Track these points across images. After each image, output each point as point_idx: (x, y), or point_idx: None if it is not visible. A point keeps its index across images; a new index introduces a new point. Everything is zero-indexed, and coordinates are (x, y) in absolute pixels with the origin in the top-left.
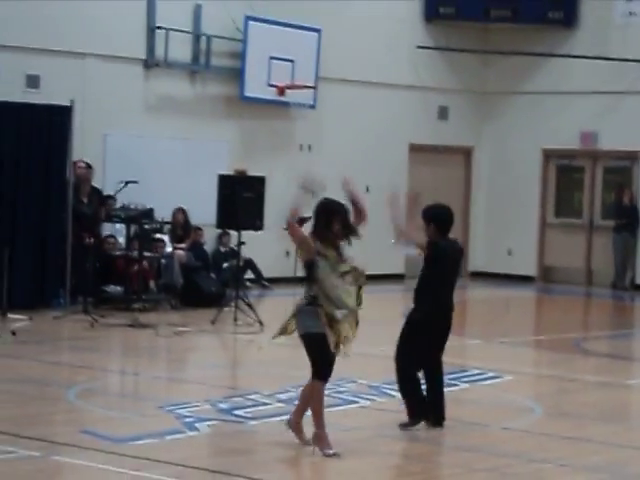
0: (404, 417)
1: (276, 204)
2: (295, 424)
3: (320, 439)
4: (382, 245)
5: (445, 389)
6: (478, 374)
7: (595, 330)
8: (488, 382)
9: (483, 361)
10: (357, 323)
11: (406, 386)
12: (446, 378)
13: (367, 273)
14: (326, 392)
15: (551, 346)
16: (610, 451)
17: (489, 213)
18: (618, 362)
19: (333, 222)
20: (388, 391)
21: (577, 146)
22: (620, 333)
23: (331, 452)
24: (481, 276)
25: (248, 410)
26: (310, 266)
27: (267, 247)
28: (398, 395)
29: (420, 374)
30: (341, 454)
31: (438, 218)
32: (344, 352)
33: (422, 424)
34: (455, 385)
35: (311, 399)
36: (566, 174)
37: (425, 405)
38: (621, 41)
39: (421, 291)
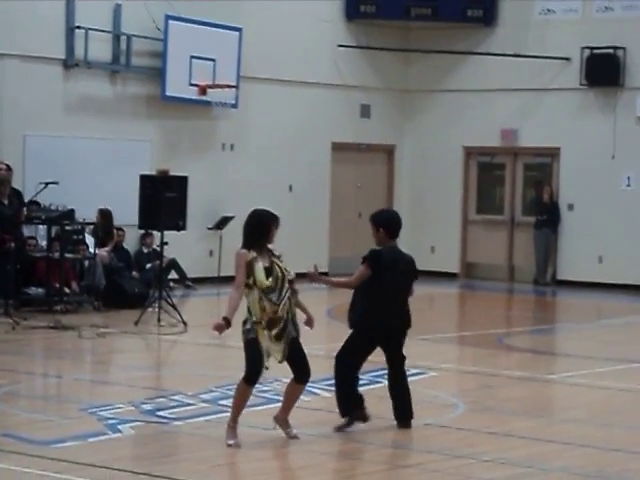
0: (328, 415)
1: (199, 204)
2: (282, 420)
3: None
4: (306, 243)
5: (370, 386)
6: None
7: (517, 326)
8: (411, 379)
9: (407, 358)
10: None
11: (340, 386)
12: (370, 375)
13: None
14: None
15: (474, 342)
16: (533, 445)
17: (412, 211)
18: (540, 357)
19: (271, 229)
20: (312, 389)
21: (498, 143)
22: (542, 328)
23: (231, 442)
24: None
25: (172, 411)
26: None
27: (191, 247)
28: (323, 394)
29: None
30: (242, 446)
31: (387, 223)
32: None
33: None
34: (379, 382)
35: (235, 394)
36: (487, 171)
37: (356, 405)
38: (540, 39)
39: (357, 295)
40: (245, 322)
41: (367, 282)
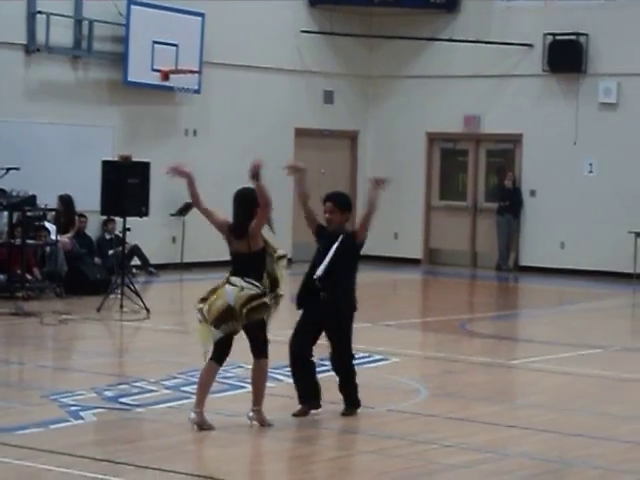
0: (290, 401)
1: (162, 190)
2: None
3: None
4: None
5: (330, 373)
6: (364, 357)
7: (480, 311)
8: (374, 365)
9: (369, 344)
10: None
11: (352, 374)
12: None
13: None
14: None
15: (437, 328)
16: (495, 431)
17: None
18: (503, 343)
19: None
20: (275, 376)
21: (460, 129)
22: (504, 314)
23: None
24: (367, 259)
25: (134, 397)
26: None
27: (153, 233)
28: (287, 380)
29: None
30: (229, 438)
31: (351, 207)
32: None
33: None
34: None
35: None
36: (450, 157)
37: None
38: (502, 25)
39: (344, 277)
40: (263, 295)
41: (354, 263)
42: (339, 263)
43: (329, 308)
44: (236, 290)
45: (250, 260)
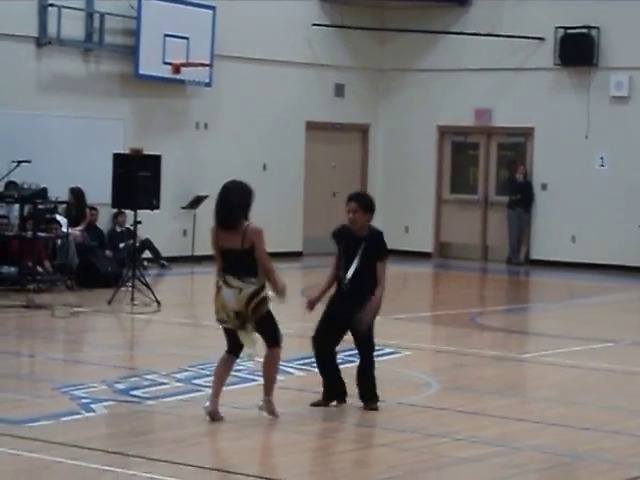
0: (302, 394)
1: (172, 183)
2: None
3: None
4: (280, 223)
5: (343, 366)
6: (376, 350)
7: (491, 305)
8: (385, 358)
9: (380, 337)
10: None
11: (372, 364)
12: (344, 355)
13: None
14: None
15: (448, 321)
16: (505, 424)
17: (386, 190)
18: (513, 336)
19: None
20: (286, 369)
21: (472, 123)
22: (515, 308)
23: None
24: None
25: (145, 390)
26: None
27: (164, 226)
28: (298, 373)
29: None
30: (240, 431)
31: (374, 208)
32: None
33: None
34: (353, 362)
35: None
36: (461, 151)
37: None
38: (514, 18)
39: (372, 277)
40: (261, 290)
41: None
42: (367, 265)
43: (356, 302)
44: (235, 292)
45: (243, 257)
